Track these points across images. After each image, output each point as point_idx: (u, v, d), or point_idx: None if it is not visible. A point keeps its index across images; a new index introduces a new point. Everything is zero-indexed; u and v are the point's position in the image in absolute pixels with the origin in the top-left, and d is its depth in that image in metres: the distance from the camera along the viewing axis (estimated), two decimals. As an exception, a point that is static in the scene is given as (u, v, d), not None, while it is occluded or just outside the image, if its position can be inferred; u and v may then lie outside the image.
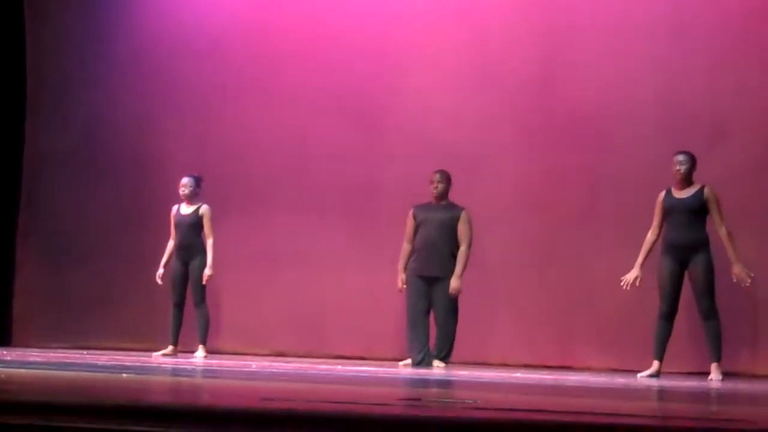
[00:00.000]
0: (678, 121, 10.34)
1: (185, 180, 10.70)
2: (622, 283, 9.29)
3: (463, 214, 9.95)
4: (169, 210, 10.75)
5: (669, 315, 9.16)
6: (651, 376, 9.13)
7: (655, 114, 10.44)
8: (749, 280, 9.16)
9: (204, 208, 10.61)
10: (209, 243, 10.52)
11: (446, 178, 10.03)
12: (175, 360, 10.17)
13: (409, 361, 9.91)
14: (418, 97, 11.09)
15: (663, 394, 7.83)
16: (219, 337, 11.12)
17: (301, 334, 11.26)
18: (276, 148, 11.49)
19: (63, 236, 11.83)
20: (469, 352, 10.30)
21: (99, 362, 8.94)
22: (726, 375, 9.14)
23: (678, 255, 9.14)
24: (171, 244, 10.69)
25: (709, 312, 9.07)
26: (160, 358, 10.33)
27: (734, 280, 9.16)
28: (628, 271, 9.29)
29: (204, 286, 10.49)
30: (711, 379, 9.04)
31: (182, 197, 10.69)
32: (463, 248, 9.89)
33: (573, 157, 10.64)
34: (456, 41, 11.07)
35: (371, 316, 10.97)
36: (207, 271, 10.46)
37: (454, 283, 9.81)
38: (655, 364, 9.18)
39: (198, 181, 10.71)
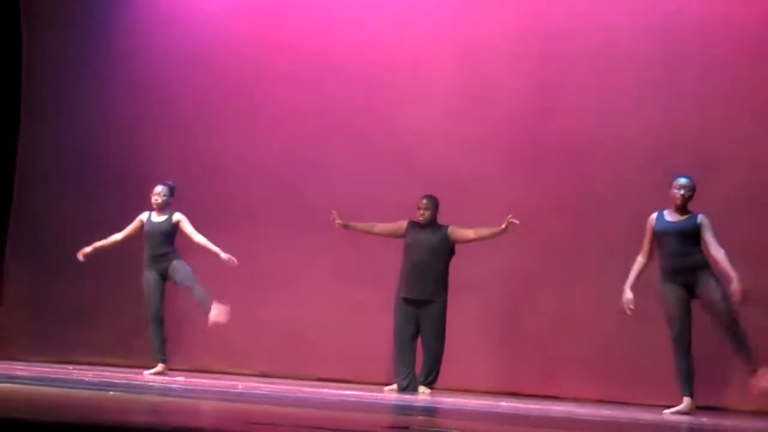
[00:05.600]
0: (666, 152, 10.39)
1: (159, 188, 10.33)
2: (627, 311, 8.83)
3: (450, 229, 9.86)
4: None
5: (683, 342, 8.66)
6: (681, 413, 8.66)
7: (643, 144, 10.49)
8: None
9: (178, 215, 10.27)
10: (203, 240, 10.18)
11: (433, 204, 9.97)
12: (163, 378, 9.96)
13: (395, 386, 9.91)
14: (408, 120, 11.13)
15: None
16: (204, 356, 11.11)
17: (286, 355, 11.25)
18: (262, 167, 11.53)
19: (52, 250, 11.81)
20: (453, 379, 10.27)
21: (85, 378, 8.91)
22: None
23: (681, 280, 8.72)
24: (117, 237, 10.38)
25: (736, 325, 8.55)
26: (149, 376, 10.04)
27: (736, 298, 8.60)
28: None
29: (193, 273, 10.13)
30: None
31: (155, 206, 10.32)
32: (477, 232, 9.82)
33: (560, 187, 10.68)
34: (447, 67, 11.13)
35: (357, 338, 10.97)
36: (224, 256, 10.03)
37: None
38: (686, 400, 8.70)
39: (172, 190, 10.37)
